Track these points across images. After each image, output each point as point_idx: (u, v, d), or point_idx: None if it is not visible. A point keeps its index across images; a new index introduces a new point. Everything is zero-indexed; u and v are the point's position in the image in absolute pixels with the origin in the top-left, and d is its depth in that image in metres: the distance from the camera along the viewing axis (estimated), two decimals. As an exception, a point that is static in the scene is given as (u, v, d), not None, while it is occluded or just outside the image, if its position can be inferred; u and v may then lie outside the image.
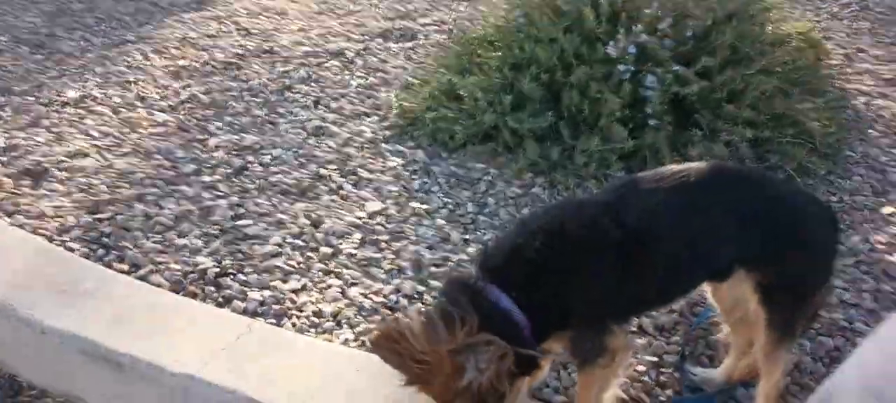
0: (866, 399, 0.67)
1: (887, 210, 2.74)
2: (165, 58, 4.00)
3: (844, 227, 2.60)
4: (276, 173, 3.02)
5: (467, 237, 2.64)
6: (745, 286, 1.74)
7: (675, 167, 1.77)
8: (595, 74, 3.10)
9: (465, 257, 2.52)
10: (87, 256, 2.50)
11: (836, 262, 1.89)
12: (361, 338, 2.20)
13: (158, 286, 2.40)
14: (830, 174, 2.95)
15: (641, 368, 2.08)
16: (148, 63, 3.94)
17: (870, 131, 3.25)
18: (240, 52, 4.08)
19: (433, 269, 2.47)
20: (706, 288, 1.95)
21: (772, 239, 1.71)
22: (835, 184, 2.91)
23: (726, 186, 1.78)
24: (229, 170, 3.02)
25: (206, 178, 2.97)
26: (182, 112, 3.48)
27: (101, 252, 2.53)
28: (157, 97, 3.60)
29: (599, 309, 1.67)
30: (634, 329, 2.20)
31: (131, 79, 3.76)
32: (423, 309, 1.64)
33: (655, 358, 2.11)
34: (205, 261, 2.50)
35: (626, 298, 1.70)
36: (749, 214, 1.72)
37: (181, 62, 3.94)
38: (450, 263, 2.50)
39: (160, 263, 2.49)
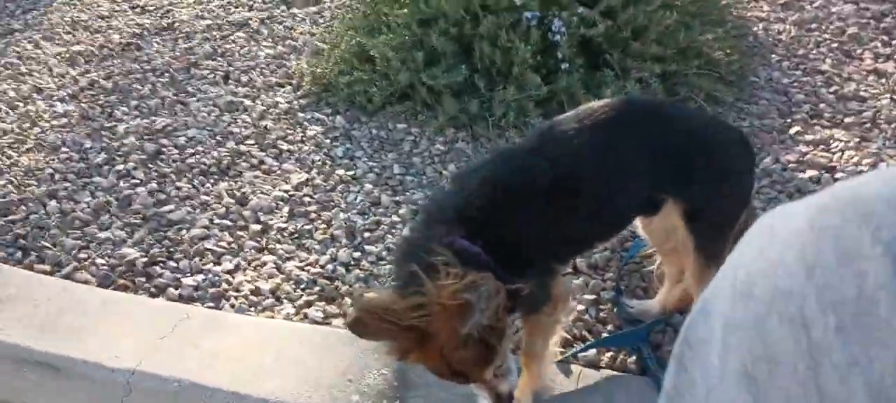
0: (737, 299, 0.70)
1: (794, 130, 2.89)
2: (57, 44, 3.80)
3: (757, 150, 2.72)
4: (194, 154, 2.94)
5: (397, 199, 2.64)
6: (673, 216, 1.82)
7: (593, 105, 1.81)
8: (503, 23, 3.12)
9: (397, 219, 2.53)
10: (4, 261, 2.39)
11: (753, 185, 1.97)
12: (303, 312, 2.20)
13: (85, 282, 2.32)
14: (738, 101, 3.08)
15: (581, 307, 2.15)
16: (40, 51, 3.74)
17: (771, 56, 3.39)
18: (137, 31, 3.92)
19: (367, 235, 2.47)
20: (637, 222, 2.02)
21: (691, 169, 1.78)
22: (743, 110, 3.04)
23: (641, 121, 1.85)
24: (143, 156, 2.92)
25: (120, 167, 2.86)
26: (84, 100, 3.32)
27: (18, 255, 2.42)
28: (55, 87, 3.43)
29: (544, 252, 1.71)
30: (570, 270, 2.26)
31: (24, 70, 3.56)
32: (393, 276, 1.59)
33: (593, 296, 2.19)
34: (131, 252, 2.42)
35: (565, 239, 1.75)
36: (666, 146, 1.78)
37: (75, 47, 3.76)
38: (382, 227, 2.51)
39: (84, 259, 2.40)
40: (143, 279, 2.33)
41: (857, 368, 0.57)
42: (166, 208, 2.63)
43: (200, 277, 2.33)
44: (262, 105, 3.26)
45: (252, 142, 3.01)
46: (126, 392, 1.98)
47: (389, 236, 2.46)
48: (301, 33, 3.87)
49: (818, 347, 0.60)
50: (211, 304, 2.24)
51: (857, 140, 2.81)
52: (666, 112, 2.04)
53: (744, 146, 1.92)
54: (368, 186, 2.71)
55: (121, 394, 1.98)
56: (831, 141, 2.81)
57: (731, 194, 1.88)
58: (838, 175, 2.61)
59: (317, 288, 2.27)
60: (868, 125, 2.89)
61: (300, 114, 3.18)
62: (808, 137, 2.83)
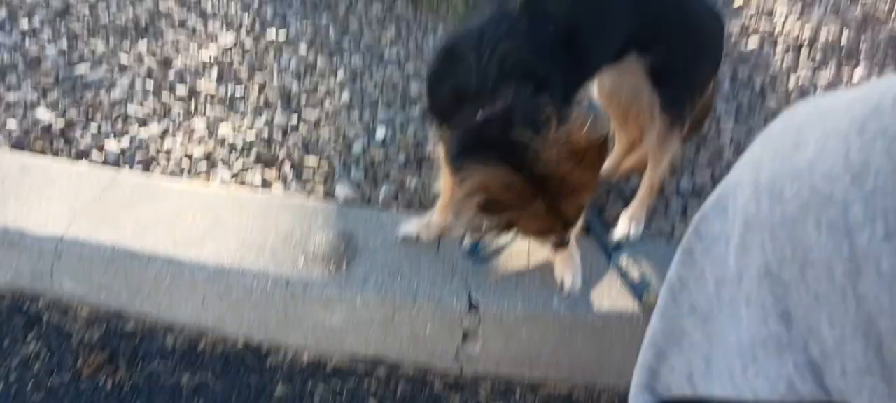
0: (761, 197, 0.68)
1: (737, 3, 2.89)
2: None
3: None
4: (107, 11, 2.71)
5: (334, 63, 2.52)
6: (638, 72, 1.79)
7: None
8: None
9: (335, 84, 2.43)
10: None
11: (722, 53, 1.95)
12: (241, 177, 2.10)
13: (-4, 146, 2.15)
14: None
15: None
16: None
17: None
18: None
19: (304, 99, 2.36)
20: (593, 87, 2.00)
21: (663, 19, 1.75)
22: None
23: None
24: (49, 13, 2.68)
25: (25, 24, 2.62)
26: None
27: (-84, 116, 2.21)
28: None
29: (567, 100, 1.69)
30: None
31: None
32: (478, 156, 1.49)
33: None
34: (46, 115, 2.24)
35: (575, 85, 1.74)
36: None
37: None
38: (320, 91, 2.40)
39: (-7, 122, 2.22)
40: (62, 143, 2.17)
41: None
42: (81, 69, 2.44)
43: (126, 140, 2.19)
44: (180, -39, 3.02)
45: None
46: (56, 259, 1.87)
47: (328, 101, 2.36)
48: None
49: (863, 254, 0.58)
50: (140, 169, 2.11)
51: (799, 10, 2.84)
52: None
53: (714, 11, 1.90)
54: (303, 49, 2.57)
55: (50, 261, 1.87)
56: (774, 12, 2.83)
57: (701, 56, 1.86)
58: (779, 44, 2.64)
59: (253, 153, 2.17)
60: (808, -5, 2.93)
61: (223, -28, 2.97)
62: (751, 11, 2.84)
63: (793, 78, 2.51)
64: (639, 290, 1.78)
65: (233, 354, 1.77)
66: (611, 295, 1.79)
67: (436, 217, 1.89)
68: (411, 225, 1.90)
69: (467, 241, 1.85)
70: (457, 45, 1.64)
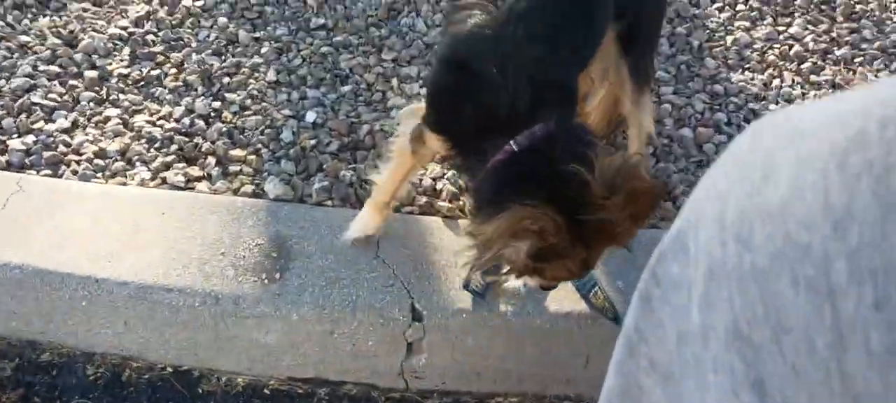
0: (727, 240, 0.56)
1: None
2: None
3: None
4: (2, -19, 2.46)
5: (257, 35, 2.34)
6: (609, 42, 1.74)
7: None
8: None
9: (259, 60, 2.25)
10: None
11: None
12: (161, 175, 1.94)
13: None
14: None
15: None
16: None
17: None
18: None
19: (226, 80, 2.19)
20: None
21: None
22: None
23: None
24: (-63, -15, 2.41)
25: None
26: None
27: None
28: None
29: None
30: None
31: None
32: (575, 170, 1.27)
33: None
34: (-62, 111, 2.04)
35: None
36: None
37: None
38: (243, 70, 2.23)
39: None
40: (-41, 144, 1.97)
41: None
42: (-24, 53, 2.21)
43: (30, 139, 2.00)
44: (82, -83, 2.75)
45: (74, -35, 2.55)
46: (-45, 286, 1.71)
47: (252, 81, 2.19)
48: None
49: (848, 325, 0.47)
50: (47, 171, 1.94)
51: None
52: None
53: None
54: (223, 20, 2.38)
55: (-51, 289, 1.71)
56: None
57: (660, 16, 1.95)
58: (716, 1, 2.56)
59: (174, 147, 2.01)
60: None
61: (130, -70, 2.72)
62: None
63: (729, 37, 2.44)
64: (585, 288, 1.72)
65: (160, 383, 1.65)
66: (557, 296, 1.73)
67: (374, 215, 1.79)
68: (356, 228, 1.78)
69: (477, 282, 1.66)
70: (467, 54, 1.47)
